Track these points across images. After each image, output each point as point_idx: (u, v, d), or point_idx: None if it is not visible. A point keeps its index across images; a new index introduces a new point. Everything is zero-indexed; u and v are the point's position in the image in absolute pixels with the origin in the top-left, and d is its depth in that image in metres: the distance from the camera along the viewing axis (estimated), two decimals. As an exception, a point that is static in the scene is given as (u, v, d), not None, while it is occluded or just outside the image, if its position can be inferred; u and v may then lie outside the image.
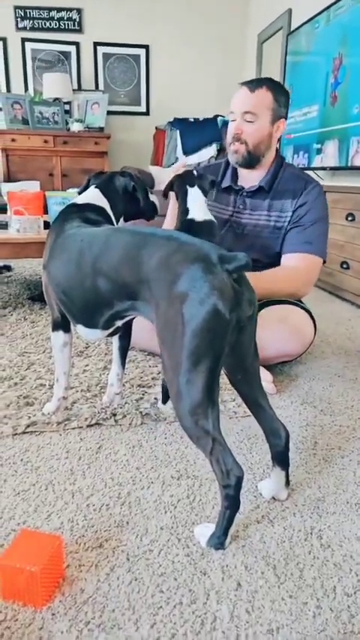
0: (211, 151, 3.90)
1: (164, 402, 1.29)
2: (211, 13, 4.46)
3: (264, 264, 1.52)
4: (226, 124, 4.15)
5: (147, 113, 4.58)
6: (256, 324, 0.91)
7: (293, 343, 1.46)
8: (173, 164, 4.27)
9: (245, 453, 1.13)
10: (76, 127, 4.11)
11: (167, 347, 0.83)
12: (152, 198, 1.30)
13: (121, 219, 1.30)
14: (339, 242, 2.46)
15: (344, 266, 2.40)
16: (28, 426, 1.19)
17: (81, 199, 1.21)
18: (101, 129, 4.21)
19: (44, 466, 1.06)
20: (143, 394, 1.38)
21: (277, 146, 1.54)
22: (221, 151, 3.76)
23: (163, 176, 4.10)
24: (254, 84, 1.43)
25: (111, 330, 1.09)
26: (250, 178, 1.54)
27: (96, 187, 1.24)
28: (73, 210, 1.18)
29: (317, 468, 1.07)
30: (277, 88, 1.43)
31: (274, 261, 1.53)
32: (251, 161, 1.49)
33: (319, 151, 2.97)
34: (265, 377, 1.43)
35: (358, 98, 2.53)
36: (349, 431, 1.23)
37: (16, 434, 1.18)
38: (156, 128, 4.38)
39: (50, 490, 0.98)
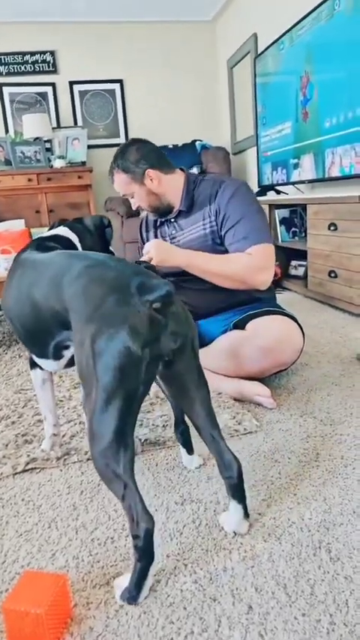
0: (191, 174, 3.97)
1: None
2: (181, 43, 4.61)
3: None
4: (204, 147, 4.26)
5: (127, 144, 4.69)
6: (195, 354, 0.86)
7: (284, 352, 1.46)
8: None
9: (248, 471, 1.12)
10: (58, 163, 4.19)
11: (82, 384, 0.79)
12: None
13: None
14: (324, 252, 2.49)
15: (332, 275, 2.43)
16: (28, 463, 1.18)
17: (48, 233, 1.23)
18: (83, 163, 4.29)
19: (46, 504, 1.05)
20: (142, 420, 1.37)
21: (180, 171, 1.60)
22: (202, 173, 3.83)
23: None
24: (110, 173, 1.56)
25: (63, 360, 1.05)
26: (174, 208, 1.61)
27: (64, 226, 1.26)
28: (36, 242, 1.18)
29: (321, 479, 1.07)
30: (120, 163, 1.52)
31: None
32: (162, 212, 1.62)
33: (296, 166, 3.04)
34: (264, 392, 1.44)
35: (327, 112, 2.60)
36: (350, 439, 1.22)
37: (16, 473, 1.17)
38: (137, 157, 4.47)
39: (53, 528, 0.97)
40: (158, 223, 1.70)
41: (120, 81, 4.58)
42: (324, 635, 0.70)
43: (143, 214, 1.73)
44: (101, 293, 0.79)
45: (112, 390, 0.74)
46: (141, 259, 1.46)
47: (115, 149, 1.60)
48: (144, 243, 1.76)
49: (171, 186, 1.57)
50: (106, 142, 4.64)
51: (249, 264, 1.47)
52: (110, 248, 1.36)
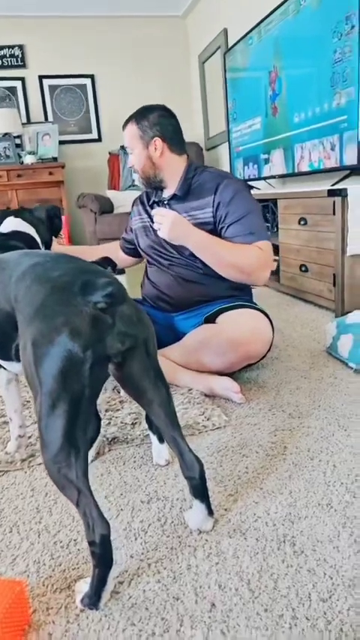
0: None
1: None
2: (153, 38, 4.57)
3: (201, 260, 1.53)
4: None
5: (99, 139, 4.63)
6: (149, 355, 0.83)
7: (253, 344, 1.46)
8: (130, 186, 4.31)
9: (215, 466, 1.11)
10: (29, 159, 4.11)
11: (30, 389, 0.76)
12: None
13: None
14: (295, 246, 2.50)
15: (303, 269, 2.44)
16: (-9, 467, 1.15)
17: (6, 228, 1.20)
18: (55, 159, 4.22)
19: (8, 507, 1.02)
20: (110, 418, 1.35)
21: (186, 157, 1.61)
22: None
23: (120, 199, 4.12)
24: (126, 122, 1.57)
25: None
26: (169, 190, 1.61)
27: (16, 217, 1.23)
28: None
29: (287, 472, 1.06)
30: (139, 117, 1.53)
31: None
32: (151, 184, 1.60)
33: (266, 161, 3.04)
34: (233, 387, 1.43)
35: (296, 107, 2.61)
36: (317, 431, 1.23)
37: (-22, 477, 1.13)
38: (109, 153, 4.42)
39: (15, 532, 0.94)
40: (151, 202, 1.68)
41: (91, 76, 4.52)
42: (286, 630, 0.69)
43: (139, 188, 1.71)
44: (43, 293, 0.76)
45: (55, 394, 0.71)
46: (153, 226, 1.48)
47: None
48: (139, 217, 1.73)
49: (170, 165, 1.56)
50: (77, 137, 4.57)
51: (261, 258, 1.47)
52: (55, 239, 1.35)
